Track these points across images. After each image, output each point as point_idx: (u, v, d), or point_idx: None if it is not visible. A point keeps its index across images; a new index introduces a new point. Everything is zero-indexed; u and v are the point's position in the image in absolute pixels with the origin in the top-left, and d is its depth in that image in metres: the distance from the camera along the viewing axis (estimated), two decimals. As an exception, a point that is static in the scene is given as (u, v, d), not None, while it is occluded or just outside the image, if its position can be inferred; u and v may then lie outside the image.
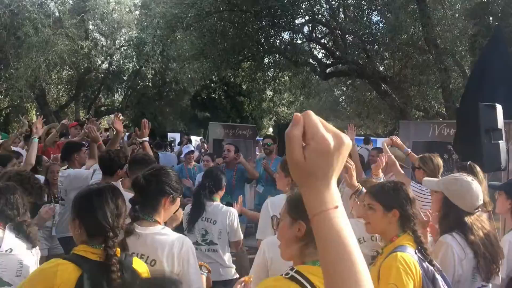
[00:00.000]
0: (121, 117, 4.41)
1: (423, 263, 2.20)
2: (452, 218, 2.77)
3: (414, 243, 2.30)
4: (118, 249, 2.01)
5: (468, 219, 2.72)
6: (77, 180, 4.51)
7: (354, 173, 3.21)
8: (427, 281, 2.14)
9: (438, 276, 2.19)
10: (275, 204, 3.43)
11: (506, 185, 3.33)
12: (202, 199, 3.91)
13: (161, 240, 2.42)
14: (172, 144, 14.11)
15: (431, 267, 2.20)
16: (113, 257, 1.90)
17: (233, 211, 3.99)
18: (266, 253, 2.57)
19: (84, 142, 5.57)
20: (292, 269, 1.66)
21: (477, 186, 2.78)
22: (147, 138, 4.37)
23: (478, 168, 4.49)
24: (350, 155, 5.10)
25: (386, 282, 2.13)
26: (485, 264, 2.67)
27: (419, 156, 4.59)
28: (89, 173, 4.35)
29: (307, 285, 1.57)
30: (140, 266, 2.08)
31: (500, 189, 3.26)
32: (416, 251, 2.26)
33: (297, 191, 1.90)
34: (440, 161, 4.41)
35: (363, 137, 14.69)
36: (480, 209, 2.84)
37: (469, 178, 2.87)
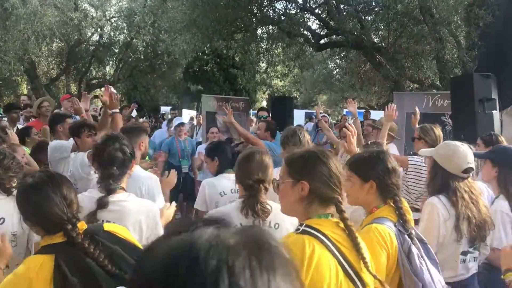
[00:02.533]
0: (112, 90, 4.13)
1: (402, 236, 2.17)
2: (439, 180, 2.82)
3: (395, 215, 2.26)
4: (82, 222, 1.93)
5: (454, 182, 2.76)
6: (58, 151, 4.41)
7: (354, 140, 3.20)
8: (402, 255, 2.12)
9: (414, 250, 2.14)
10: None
11: (491, 153, 3.33)
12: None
13: (129, 207, 2.49)
14: (165, 117, 14.02)
15: (408, 240, 2.16)
16: (77, 238, 1.82)
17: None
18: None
19: (70, 114, 5.50)
20: (301, 225, 1.76)
21: (465, 150, 2.80)
22: (117, 109, 4.11)
23: (502, 138, 4.47)
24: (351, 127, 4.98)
25: None
26: (469, 226, 2.69)
27: (420, 126, 4.53)
28: (70, 143, 4.25)
29: (318, 234, 1.69)
30: (113, 227, 2.02)
31: (486, 157, 3.25)
32: (397, 224, 2.22)
33: (295, 152, 1.91)
34: (441, 132, 4.37)
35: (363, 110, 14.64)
36: (471, 175, 2.86)
37: (459, 143, 2.90)
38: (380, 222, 2.20)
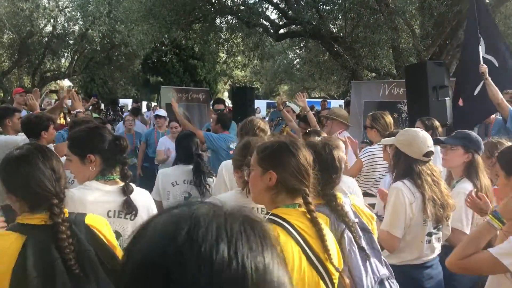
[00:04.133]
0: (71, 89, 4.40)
1: (338, 223, 2.16)
2: (402, 165, 2.91)
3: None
4: (65, 209, 1.84)
5: (416, 166, 2.85)
6: (9, 147, 4.26)
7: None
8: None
9: (346, 235, 2.14)
10: (229, 166, 3.44)
11: (463, 140, 3.30)
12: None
13: (138, 197, 2.46)
14: (123, 110, 13.72)
15: (343, 226, 2.15)
16: (58, 217, 1.74)
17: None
18: None
19: (19, 108, 5.35)
20: (267, 213, 1.79)
21: (424, 135, 2.91)
22: (81, 109, 4.37)
23: (437, 123, 4.62)
24: (305, 120, 5.15)
25: None
26: (434, 208, 2.78)
27: (370, 114, 4.61)
28: (23, 139, 4.11)
29: (283, 222, 1.72)
30: (96, 222, 1.92)
31: (458, 144, 3.26)
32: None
33: (266, 142, 1.94)
34: (391, 119, 4.47)
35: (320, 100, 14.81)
36: (431, 159, 2.95)
37: (418, 129, 3.02)
38: (317, 209, 2.20)
